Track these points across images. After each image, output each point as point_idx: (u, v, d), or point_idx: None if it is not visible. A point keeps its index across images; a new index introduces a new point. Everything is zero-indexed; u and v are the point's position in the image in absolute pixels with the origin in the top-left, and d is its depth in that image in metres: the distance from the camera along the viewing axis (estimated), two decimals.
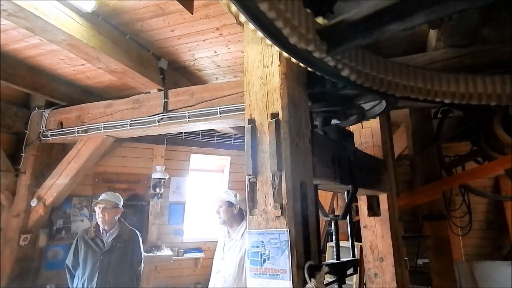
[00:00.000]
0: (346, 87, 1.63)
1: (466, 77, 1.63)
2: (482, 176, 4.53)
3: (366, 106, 2.08)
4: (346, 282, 1.75)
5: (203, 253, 5.43)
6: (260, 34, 1.13)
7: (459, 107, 3.44)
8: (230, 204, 2.90)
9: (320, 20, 1.22)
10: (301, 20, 1.11)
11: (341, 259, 1.79)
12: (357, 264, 1.93)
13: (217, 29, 2.97)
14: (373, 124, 2.61)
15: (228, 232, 2.94)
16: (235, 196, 2.94)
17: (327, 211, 1.99)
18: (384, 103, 1.93)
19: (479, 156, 4.29)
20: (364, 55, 1.46)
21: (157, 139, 5.12)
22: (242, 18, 1.06)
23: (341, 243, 1.90)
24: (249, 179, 1.41)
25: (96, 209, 3.29)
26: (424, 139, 4.04)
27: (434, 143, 4.00)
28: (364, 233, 2.59)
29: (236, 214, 2.91)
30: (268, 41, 1.17)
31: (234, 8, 1.03)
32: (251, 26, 1.09)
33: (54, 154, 4.28)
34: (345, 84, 1.51)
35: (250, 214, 1.40)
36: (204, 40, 3.16)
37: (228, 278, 2.70)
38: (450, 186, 4.27)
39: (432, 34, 2.56)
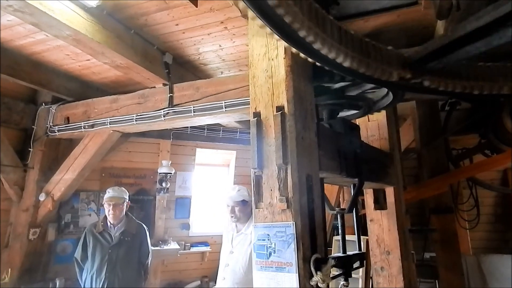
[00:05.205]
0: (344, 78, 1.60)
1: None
2: (490, 169, 4.47)
3: (373, 98, 2.06)
4: (353, 275, 1.75)
5: (209, 247, 5.47)
6: (259, 21, 1.09)
7: (467, 99, 3.40)
8: (244, 203, 2.83)
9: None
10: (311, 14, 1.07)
11: (347, 253, 1.79)
12: (363, 258, 1.92)
13: (222, 22, 2.95)
14: (380, 117, 2.58)
15: (236, 226, 2.94)
16: (247, 192, 2.83)
17: (333, 205, 1.98)
18: (391, 95, 1.91)
19: (487, 149, 4.25)
20: (367, 45, 1.42)
21: (163, 134, 5.14)
22: (241, 4, 1.02)
23: (347, 237, 1.90)
24: (255, 172, 1.41)
25: (106, 205, 3.33)
26: (431, 132, 3.99)
27: (441, 136, 3.96)
28: (370, 226, 2.58)
29: (250, 211, 2.88)
30: (275, 36, 1.13)
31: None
32: (251, 13, 1.05)
33: (61, 149, 4.33)
34: (347, 75, 1.47)
35: (256, 208, 1.40)
36: (208, 34, 3.14)
37: (238, 270, 2.71)
38: (457, 179, 4.24)
39: (440, 24, 2.51)
